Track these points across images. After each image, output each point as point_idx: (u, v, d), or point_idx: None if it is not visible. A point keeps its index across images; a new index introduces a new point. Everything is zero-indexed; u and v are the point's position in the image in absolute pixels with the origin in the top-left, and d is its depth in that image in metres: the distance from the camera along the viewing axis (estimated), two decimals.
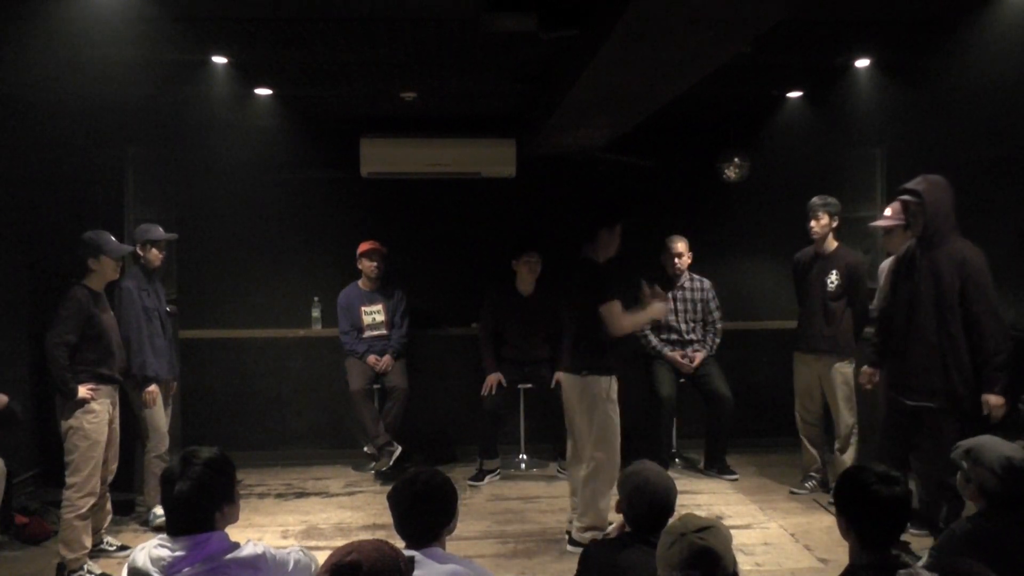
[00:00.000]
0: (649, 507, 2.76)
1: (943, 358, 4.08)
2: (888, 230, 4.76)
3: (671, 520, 2.43)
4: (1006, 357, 4.00)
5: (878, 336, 4.60)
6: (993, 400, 3.99)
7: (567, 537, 4.75)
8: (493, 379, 6.13)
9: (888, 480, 2.37)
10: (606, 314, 4.47)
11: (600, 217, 4.64)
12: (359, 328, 6.25)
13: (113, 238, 4.60)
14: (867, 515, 2.36)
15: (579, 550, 4.40)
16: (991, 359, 3.99)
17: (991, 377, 4.00)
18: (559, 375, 5.05)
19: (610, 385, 4.56)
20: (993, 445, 2.81)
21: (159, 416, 5.10)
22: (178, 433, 5.82)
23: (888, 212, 4.76)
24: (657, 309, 4.71)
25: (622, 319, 4.52)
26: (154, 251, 5.17)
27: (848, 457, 5.32)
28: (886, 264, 4.89)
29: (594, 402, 4.54)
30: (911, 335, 4.23)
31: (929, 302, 4.14)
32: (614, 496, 3.11)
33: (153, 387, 5.02)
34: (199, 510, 2.45)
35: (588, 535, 4.48)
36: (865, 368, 4.79)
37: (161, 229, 5.24)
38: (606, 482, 4.52)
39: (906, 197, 4.25)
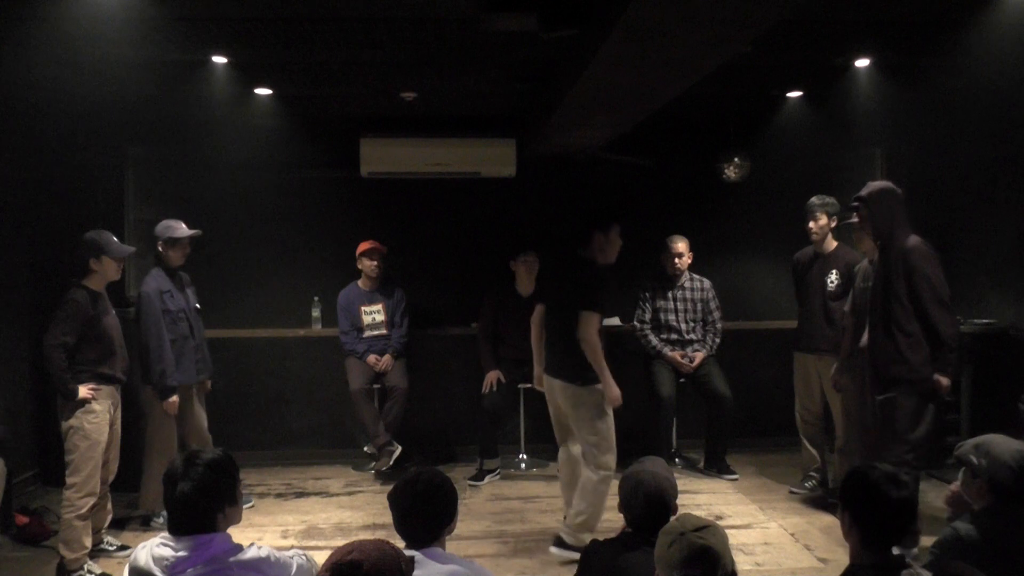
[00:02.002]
0: (646, 507, 2.76)
1: (898, 348, 4.25)
2: (860, 227, 4.81)
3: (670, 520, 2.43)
4: (951, 340, 4.22)
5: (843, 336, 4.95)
6: (944, 381, 4.24)
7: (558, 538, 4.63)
8: (493, 376, 6.13)
9: (897, 482, 2.36)
10: (584, 319, 4.36)
11: (594, 219, 4.53)
12: (359, 328, 6.25)
13: (115, 239, 4.57)
14: (874, 515, 2.35)
15: (563, 553, 4.45)
16: (945, 342, 4.20)
17: (944, 359, 4.23)
18: (547, 379, 4.71)
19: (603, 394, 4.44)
20: (1003, 440, 2.82)
21: (170, 428, 5.07)
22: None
23: None
24: (613, 393, 4.39)
25: (594, 336, 4.36)
26: (175, 250, 5.11)
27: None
28: (860, 266, 4.94)
29: (593, 411, 4.45)
30: (870, 332, 4.42)
31: (881, 298, 4.32)
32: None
33: (174, 399, 4.98)
34: (201, 511, 2.45)
35: (584, 535, 4.42)
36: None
37: (184, 226, 5.14)
38: (608, 489, 4.45)
39: (855, 204, 4.45)
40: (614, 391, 4.40)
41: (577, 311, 4.39)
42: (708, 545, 2.10)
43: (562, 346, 4.54)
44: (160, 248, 5.11)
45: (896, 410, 4.23)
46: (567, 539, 4.53)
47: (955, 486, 2.95)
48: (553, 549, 4.57)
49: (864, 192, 4.40)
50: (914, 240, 4.26)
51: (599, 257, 4.54)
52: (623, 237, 4.62)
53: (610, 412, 4.50)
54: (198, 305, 5.32)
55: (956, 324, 4.31)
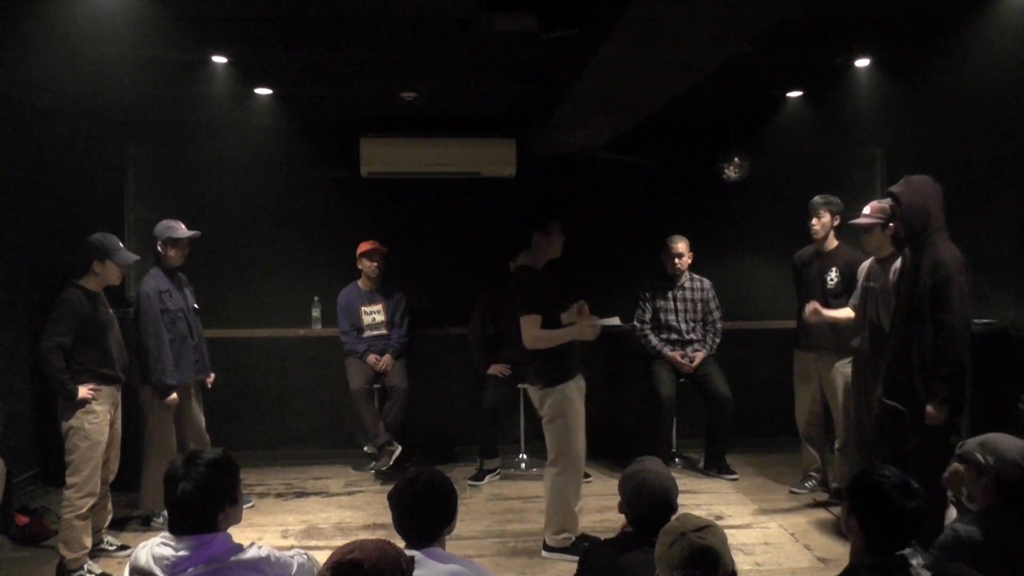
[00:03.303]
0: (649, 508, 2.75)
1: (911, 360, 4.01)
2: (866, 229, 4.78)
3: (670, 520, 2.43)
4: (952, 370, 3.86)
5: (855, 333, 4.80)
6: (930, 410, 3.89)
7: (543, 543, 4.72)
8: (496, 368, 6.13)
9: (909, 492, 2.35)
10: (522, 325, 4.44)
11: (531, 221, 4.57)
12: (359, 328, 6.25)
13: (122, 244, 4.58)
14: (884, 524, 2.35)
15: (552, 555, 4.54)
16: (936, 368, 3.88)
17: (932, 387, 3.90)
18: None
19: (566, 392, 4.51)
20: (1009, 439, 2.80)
21: (169, 428, 5.09)
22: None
23: (867, 211, 4.77)
24: (584, 330, 4.47)
25: (536, 333, 4.41)
26: (175, 250, 5.12)
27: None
28: (866, 264, 4.92)
29: (554, 412, 4.53)
30: (891, 335, 4.23)
31: (905, 304, 4.09)
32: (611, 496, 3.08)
33: (173, 396, 5.00)
34: (202, 511, 2.45)
35: (561, 537, 4.58)
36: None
37: (183, 226, 5.16)
38: (573, 486, 4.58)
39: (888, 199, 4.23)
40: (585, 329, 4.45)
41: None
42: (709, 545, 2.10)
43: (527, 353, 4.61)
44: (159, 248, 5.12)
45: (903, 423, 4.06)
46: (548, 541, 4.64)
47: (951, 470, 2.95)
48: (544, 553, 4.65)
49: (899, 187, 4.08)
50: (948, 251, 3.93)
51: (539, 258, 4.58)
52: (564, 235, 4.62)
53: (576, 415, 4.54)
54: (196, 305, 5.33)
55: (958, 350, 3.86)
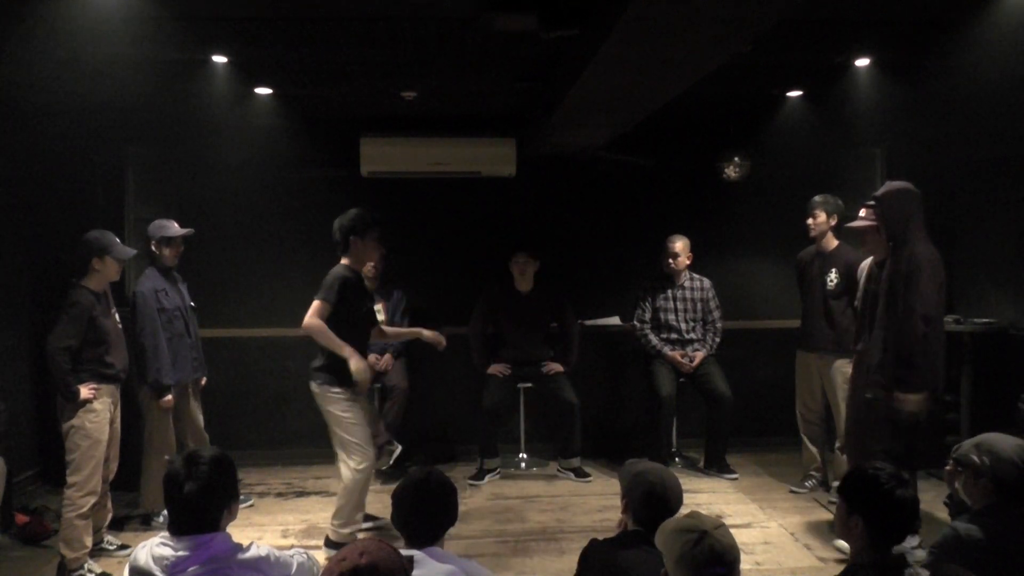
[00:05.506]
0: (666, 511, 2.75)
1: (886, 352, 4.18)
2: (861, 232, 4.81)
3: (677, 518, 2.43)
4: (920, 358, 4.06)
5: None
6: (900, 397, 4.09)
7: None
8: (496, 368, 6.18)
9: (902, 481, 2.40)
10: (312, 308, 4.51)
11: (350, 227, 4.78)
12: None
13: (119, 240, 4.58)
14: (886, 517, 2.38)
15: (333, 551, 4.51)
16: (905, 357, 4.09)
17: (900, 375, 4.09)
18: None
19: (331, 394, 4.62)
20: (1003, 438, 2.81)
21: (168, 427, 5.09)
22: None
23: (862, 213, 4.81)
24: (360, 370, 4.50)
25: (317, 321, 4.47)
26: (169, 249, 5.13)
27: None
28: (865, 264, 4.94)
29: (325, 411, 4.65)
30: (873, 332, 4.35)
31: (884, 300, 4.27)
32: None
33: (169, 397, 5.01)
34: (208, 510, 2.46)
35: (347, 532, 4.69)
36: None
37: (176, 225, 5.17)
38: (366, 481, 4.75)
39: (871, 203, 4.41)
40: (357, 363, 4.50)
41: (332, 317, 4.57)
42: (731, 543, 2.11)
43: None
44: (153, 247, 5.13)
45: (884, 411, 4.17)
46: (332, 536, 4.71)
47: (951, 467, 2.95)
48: (324, 549, 4.69)
49: (880, 192, 4.34)
50: (923, 248, 4.17)
51: (354, 261, 4.77)
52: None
53: (343, 415, 4.64)
54: (193, 303, 5.33)
55: (923, 342, 4.07)
